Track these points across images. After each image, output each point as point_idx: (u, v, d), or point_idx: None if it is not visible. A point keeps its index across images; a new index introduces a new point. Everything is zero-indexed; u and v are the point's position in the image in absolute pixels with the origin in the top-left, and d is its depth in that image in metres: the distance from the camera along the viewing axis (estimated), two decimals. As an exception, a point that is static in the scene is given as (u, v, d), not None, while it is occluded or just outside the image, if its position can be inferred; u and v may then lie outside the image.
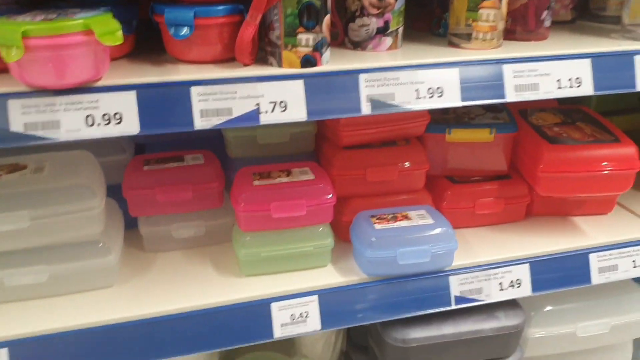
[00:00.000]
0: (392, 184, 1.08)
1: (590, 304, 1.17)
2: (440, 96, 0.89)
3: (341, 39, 0.97)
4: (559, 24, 1.15)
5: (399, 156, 1.07)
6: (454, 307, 1.03)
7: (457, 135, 1.11)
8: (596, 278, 1.09)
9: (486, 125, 1.11)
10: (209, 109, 0.80)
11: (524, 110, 1.22)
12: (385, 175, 1.06)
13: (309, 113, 0.83)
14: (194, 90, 0.80)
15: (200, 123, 0.80)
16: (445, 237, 0.99)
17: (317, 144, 1.15)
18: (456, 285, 1.03)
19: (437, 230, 0.99)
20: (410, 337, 1.03)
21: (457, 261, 1.03)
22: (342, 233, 1.08)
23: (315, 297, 0.96)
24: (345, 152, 1.06)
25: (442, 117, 1.14)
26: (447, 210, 1.12)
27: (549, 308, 1.15)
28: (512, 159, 1.17)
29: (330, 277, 0.99)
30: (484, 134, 1.11)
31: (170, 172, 1.02)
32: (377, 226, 0.99)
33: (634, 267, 1.11)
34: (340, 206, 1.08)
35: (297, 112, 0.83)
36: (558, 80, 0.93)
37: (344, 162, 1.06)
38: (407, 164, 1.07)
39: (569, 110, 1.23)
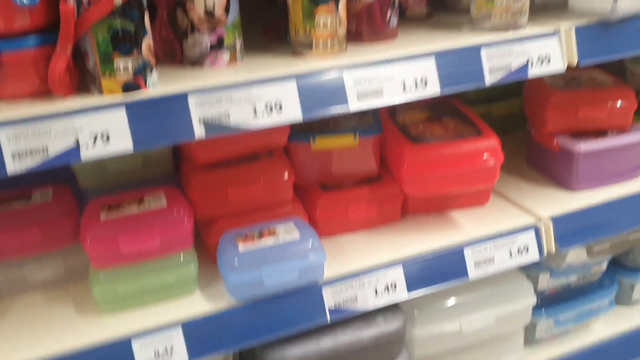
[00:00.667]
0: (258, 200, 1.05)
1: (474, 296, 1.17)
2: (280, 111, 0.86)
3: (179, 57, 0.92)
4: (414, 21, 1.13)
5: (262, 170, 1.04)
6: (329, 320, 1.01)
7: (322, 143, 1.08)
8: (473, 272, 1.09)
9: (350, 130, 1.09)
10: (20, 150, 0.74)
11: (393, 108, 1.21)
12: (248, 193, 1.03)
13: (136, 142, 0.78)
14: (2, 133, 0.74)
15: (12, 167, 0.74)
16: (313, 250, 0.96)
17: (176, 164, 1.10)
18: (330, 297, 1.00)
19: (304, 245, 0.96)
20: (287, 356, 1.00)
21: (330, 272, 1.00)
22: (213, 255, 1.04)
23: (179, 329, 0.92)
24: (204, 171, 1.02)
25: (306, 124, 1.11)
26: (320, 219, 1.10)
27: (431, 306, 1.14)
28: (382, 160, 1.16)
29: (196, 305, 0.95)
30: (348, 139, 1.08)
31: (15, 214, 0.96)
32: (241, 247, 0.96)
33: (510, 257, 1.12)
34: (206, 228, 1.04)
35: (122, 142, 0.78)
36: (403, 83, 0.91)
37: (204, 183, 1.02)
38: (271, 178, 1.04)
39: (437, 105, 1.22)
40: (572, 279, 1.35)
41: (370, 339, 1.03)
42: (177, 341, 0.92)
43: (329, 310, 1.01)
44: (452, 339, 1.15)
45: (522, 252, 1.13)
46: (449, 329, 1.14)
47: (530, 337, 1.30)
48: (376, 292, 1.03)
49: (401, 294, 1.05)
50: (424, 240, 1.09)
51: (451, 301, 1.15)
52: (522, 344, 1.27)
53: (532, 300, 1.20)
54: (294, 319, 0.98)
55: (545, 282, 1.31)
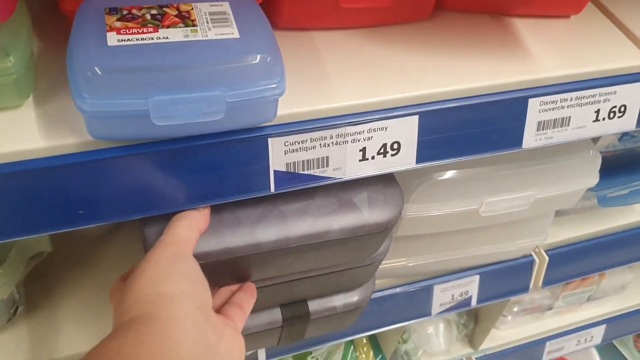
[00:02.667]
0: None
1: (509, 169, 0.73)
2: None
3: None
4: None
5: None
6: (272, 189, 0.57)
7: None
8: (531, 139, 0.64)
9: None
10: None
11: None
12: None
13: None
14: None
15: None
16: (263, 67, 0.47)
17: None
18: (279, 153, 0.55)
19: (245, 50, 0.47)
20: (200, 250, 0.57)
21: (288, 108, 0.53)
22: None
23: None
24: None
25: None
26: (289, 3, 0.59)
27: (443, 176, 0.70)
28: None
29: (21, 135, 0.48)
30: None
31: None
32: (114, 37, 0.46)
33: (597, 119, 0.66)
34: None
35: None
36: None
37: None
38: None
39: None
40: (643, 142, 0.92)
41: (341, 232, 0.60)
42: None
43: (275, 174, 0.56)
44: (467, 219, 0.74)
45: (615, 114, 0.67)
46: (465, 209, 0.72)
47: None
48: (363, 154, 0.58)
49: (407, 160, 0.60)
50: (460, 71, 0.61)
51: (471, 172, 0.71)
52: (549, 225, 0.88)
53: (594, 181, 0.78)
54: (209, 184, 0.54)
55: (609, 142, 0.87)
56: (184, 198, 0.54)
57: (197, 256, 0.55)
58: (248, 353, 0.82)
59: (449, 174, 0.69)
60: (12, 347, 0.73)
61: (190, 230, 0.55)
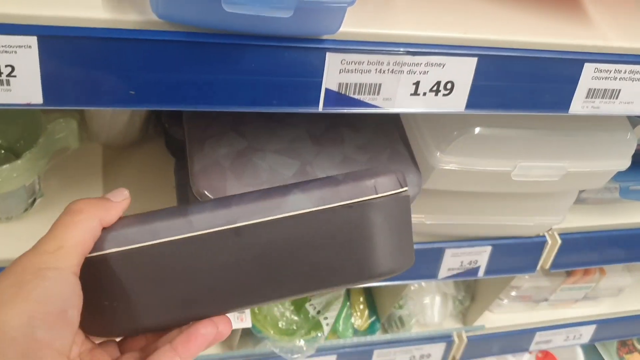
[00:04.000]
0: None
1: (546, 136, 0.73)
2: None
3: None
4: None
5: None
6: (321, 109, 0.56)
7: None
8: (578, 106, 0.64)
9: None
10: None
11: None
12: None
13: None
14: None
15: None
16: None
17: None
18: (334, 71, 0.54)
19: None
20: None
21: (351, 27, 0.53)
22: None
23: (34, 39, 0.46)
24: None
25: None
26: None
27: (479, 130, 0.69)
28: None
29: (86, 6, 0.47)
30: None
31: None
32: None
33: (646, 96, 0.66)
34: None
35: None
36: None
37: None
38: None
39: None
40: (674, 141, 0.92)
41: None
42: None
43: (326, 93, 0.55)
44: (496, 181, 0.74)
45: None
46: (497, 169, 0.72)
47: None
48: (417, 88, 0.57)
49: (458, 101, 0.59)
50: (525, 21, 0.60)
51: (511, 132, 0.71)
52: (570, 205, 0.88)
53: (626, 164, 0.78)
54: (261, 88, 0.53)
55: (641, 134, 0.87)
56: (232, 98, 0.53)
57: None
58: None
59: (488, 130, 0.69)
60: (26, 236, 0.73)
61: (86, 231, 0.41)
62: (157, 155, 0.86)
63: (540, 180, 0.74)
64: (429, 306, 1.17)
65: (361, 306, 1.14)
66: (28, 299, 0.37)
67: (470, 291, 1.21)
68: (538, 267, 0.96)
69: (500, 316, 1.24)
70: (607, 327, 1.33)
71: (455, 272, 0.92)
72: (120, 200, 0.44)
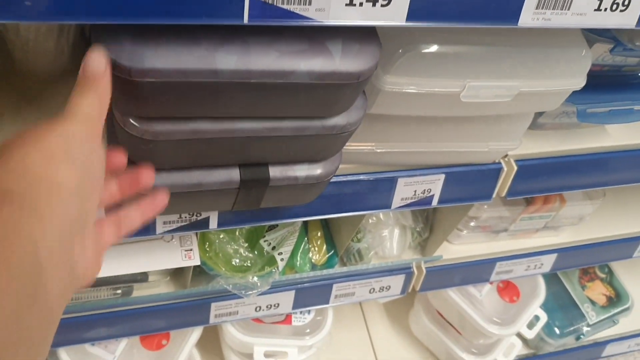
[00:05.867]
0: None
1: (497, 52, 0.69)
2: None
3: None
4: None
5: None
6: (246, 21, 0.51)
7: None
8: (528, 18, 0.60)
9: None
10: None
11: None
12: None
13: None
14: None
15: None
16: None
17: None
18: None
19: None
20: (146, 65, 0.52)
21: None
22: None
23: None
24: None
25: None
26: None
27: (425, 48, 0.65)
28: None
29: None
30: None
31: None
32: None
33: (597, 9, 0.62)
34: None
35: None
36: None
37: None
38: None
39: None
40: (632, 61, 0.89)
41: (307, 75, 0.56)
42: None
43: (250, 3, 0.50)
44: (442, 103, 0.70)
45: (617, 6, 0.63)
46: (444, 91, 0.68)
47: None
48: (351, -4, 0.53)
49: (396, 15, 0.55)
50: None
51: (460, 48, 0.67)
52: (524, 130, 0.85)
53: (581, 83, 0.74)
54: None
55: (599, 54, 0.84)
56: (149, 8, 0.48)
57: (150, 71, 0.50)
58: (201, 217, 0.79)
59: (434, 47, 0.65)
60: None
61: (101, 107, 0.46)
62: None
63: (492, 102, 0.70)
64: (387, 239, 1.15)
65: (318, 241, 1.11)
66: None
67: (429, 222, 1.19)
68: (494, 194, 0.94)
69: (460, 247, 1.23)
70: (568, 255, 1.33)
71: (408, 201, 0.89)
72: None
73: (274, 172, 0.69)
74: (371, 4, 0.54)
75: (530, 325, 1.43)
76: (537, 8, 0.59)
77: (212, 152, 0.64)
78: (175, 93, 0.54)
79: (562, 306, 1.54)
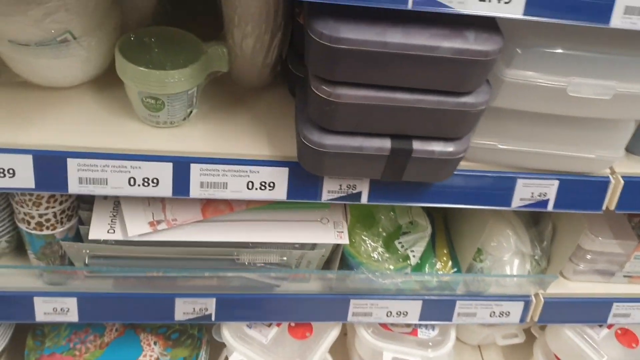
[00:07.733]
0: None
1: (602, 56, 0.88)
2: None
3: None
4: None
5: None
6: (410, 7, 0.76)
7: None
8: (618, 20, 0.80)
9: None
10: None
11: None
12: None
13: None
14: None
15: None
16: None
17: None
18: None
19: None
20: (341, 35, 0.78)
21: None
22: None
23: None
24: None
25: None
26: None
27: (540, 47, 0.87)
28: None
29: None
30: None
31: None
32: None
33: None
34: None
35: None
36: None
37: None
38: None
39: None
40: None
41: (451, 51, 0.79)
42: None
43: (413, -4, 0.76)
44: (550, 97, 0.90)
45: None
46: (551, 84, 0.88)
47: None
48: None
49: (515, 9, 0.78)
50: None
51: (570, 51, 0.87)
52: (627, 140, 1.01)
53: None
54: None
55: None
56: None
57: (343, 39, 0.76)
58: (355, 191, 1.00)
59: (547, 47, 0.86)
60: (184, 138, 0.96)
61: None
62: (283, 99, 1.09)
63: (593, 99, 0.89)
64: (507, 263, 1.29)
65: (444, 257, 1.28)
66: None
67: (547, 254, 1.31)
68: (604, 206, 1.08)
69: (577, 284, 1.33)
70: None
71: (527, 202, 1.06)
72: None
73: (416, 144, 0.91)
74: (497, 0, 0.77)
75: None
76: (624, 14, 0.80)
77: (372, 119, 0.87)
78: (357, 60, 0.79)
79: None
